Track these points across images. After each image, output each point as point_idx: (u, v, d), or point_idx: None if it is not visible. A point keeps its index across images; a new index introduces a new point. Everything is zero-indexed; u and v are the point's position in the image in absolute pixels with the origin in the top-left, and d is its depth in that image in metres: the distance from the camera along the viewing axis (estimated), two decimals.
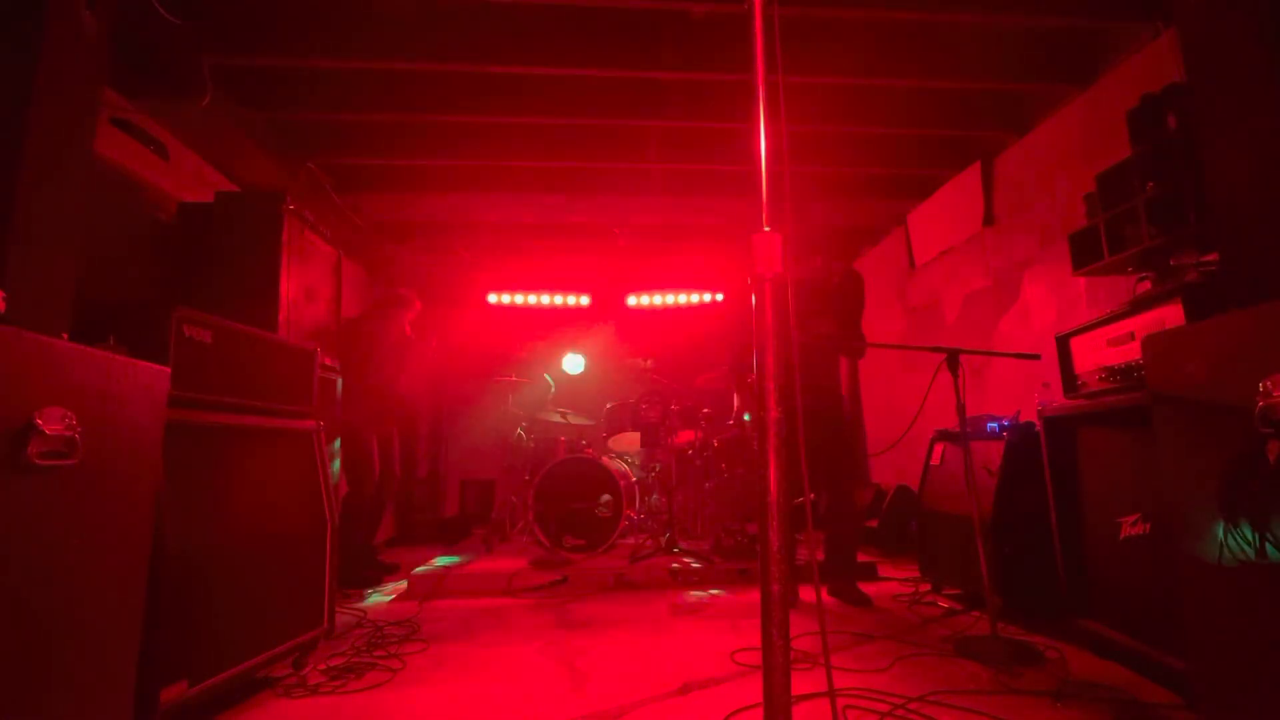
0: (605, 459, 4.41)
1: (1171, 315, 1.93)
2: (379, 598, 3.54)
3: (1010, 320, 3.99)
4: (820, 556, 3.31)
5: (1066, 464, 2.45)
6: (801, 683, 1.80)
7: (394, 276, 6.14)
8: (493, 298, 6.61)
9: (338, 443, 3.56)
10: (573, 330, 6.59)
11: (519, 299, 6.65)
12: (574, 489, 4.18)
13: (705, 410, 4.66)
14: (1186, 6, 1.63)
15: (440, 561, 4.09)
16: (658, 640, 2.67)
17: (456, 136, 4.14)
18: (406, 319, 4.19)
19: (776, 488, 1.14)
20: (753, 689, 2.00)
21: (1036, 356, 2.61)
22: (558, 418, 5.15)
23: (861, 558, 4.01)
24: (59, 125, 1.36)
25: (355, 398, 3.66)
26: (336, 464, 3.56)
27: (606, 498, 4.15)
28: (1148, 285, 2.52)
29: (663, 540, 4.18)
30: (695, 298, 6.73)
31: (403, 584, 3.72)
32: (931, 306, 4.98)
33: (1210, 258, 2.25)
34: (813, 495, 3.14)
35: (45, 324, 1.24)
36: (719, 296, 6.68)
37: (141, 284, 2.90)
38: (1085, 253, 2.85)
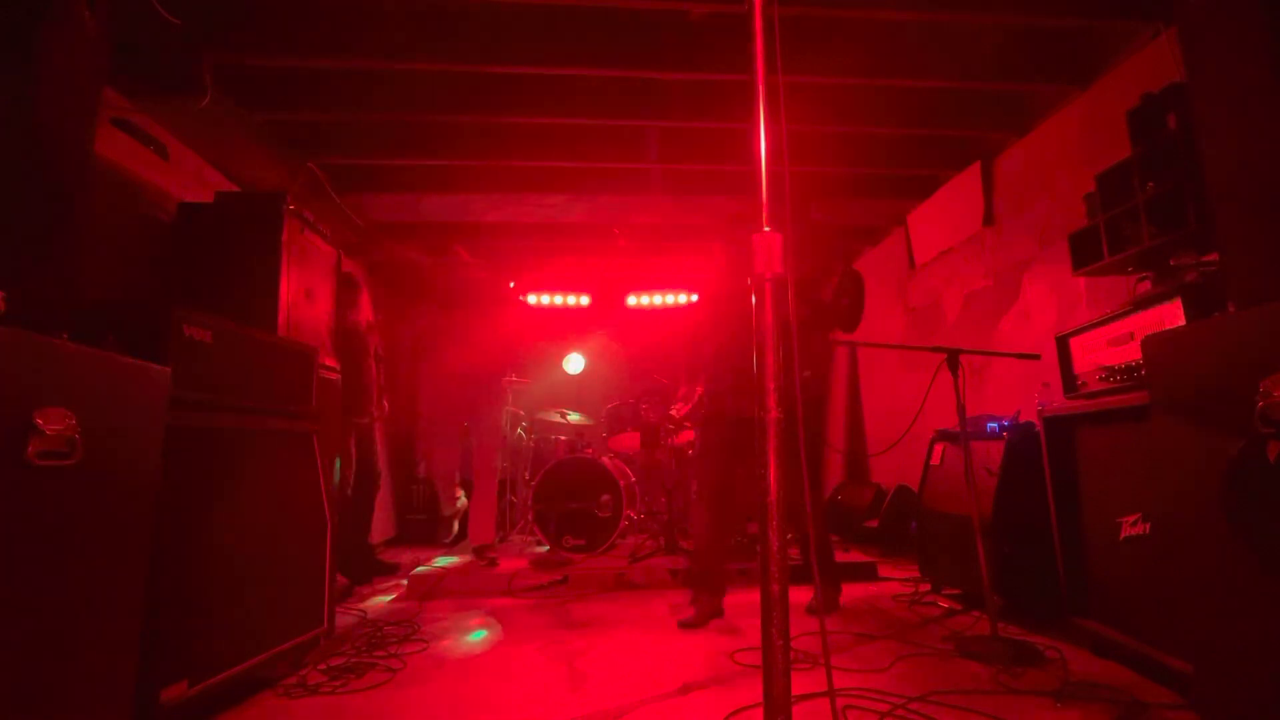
0: (605, 459, 4.41)
1: (1171, 315, 1.93)
2: (379, 599, 3.54)
3: (1010, 320, 3.99)
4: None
5: (1066, 464, 2.45)
6: (801, 683, 1.80)
7: (394, 277, 6.13)
8: (492, 298, 6.61)
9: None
10: (573, 330, 6.59)
11: (518, 299, 6.64)
12: (574, 489, 4.17)
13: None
14: (1186, 6, 1.63)
15: (440, 561, 4.09)
16: (657, 640, 2.67)
17: (456, 136, 4.13)
18: (362, 302, 4.05)
19: (777, 488, 1.14)
20: (753, 689, 2.00)
21: (1036, 356, 2.61)
22: (558, 418, 5.15)
23: (861, 558, 4.02)
24: (59, 125, 1.37)
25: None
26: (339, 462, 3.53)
27: (606, 498, 4.15)
28: (1148, 285, 2.52)
29: (662, 540, 4.18)
30: (695, 298, 6.72)
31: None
32: (931, 306, 4.98)
33: (1210, 258, 2.25)
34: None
35: (45, 324, 1.24)
36: None
37: (141, 284, 2.89)
38: (1085, 253, 2.85)
